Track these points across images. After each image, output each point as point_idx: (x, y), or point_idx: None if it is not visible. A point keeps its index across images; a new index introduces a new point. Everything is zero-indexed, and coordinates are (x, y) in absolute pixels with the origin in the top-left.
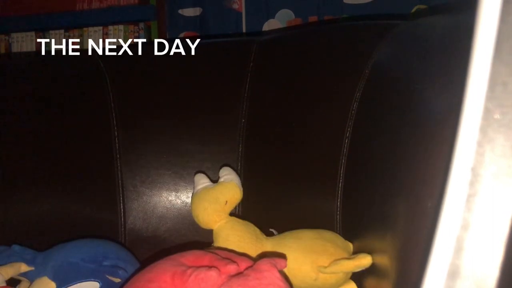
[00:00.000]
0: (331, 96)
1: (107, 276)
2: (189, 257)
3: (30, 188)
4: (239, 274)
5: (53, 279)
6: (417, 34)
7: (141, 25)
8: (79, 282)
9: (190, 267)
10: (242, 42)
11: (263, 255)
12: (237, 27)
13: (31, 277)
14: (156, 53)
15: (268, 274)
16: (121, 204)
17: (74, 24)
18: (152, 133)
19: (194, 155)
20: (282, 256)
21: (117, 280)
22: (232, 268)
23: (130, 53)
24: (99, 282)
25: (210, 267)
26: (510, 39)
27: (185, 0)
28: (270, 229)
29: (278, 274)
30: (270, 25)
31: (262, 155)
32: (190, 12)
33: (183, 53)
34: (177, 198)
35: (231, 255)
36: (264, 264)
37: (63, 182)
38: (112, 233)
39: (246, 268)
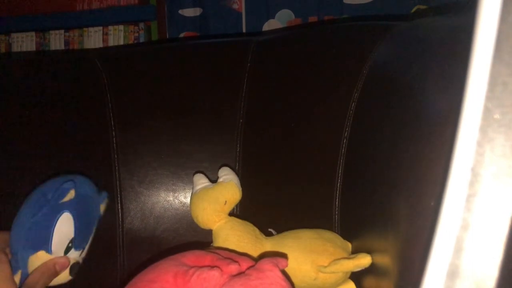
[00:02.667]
0: (330, 96)
1: (60, 202)
2: (191, 257)
3: (28, 188)
4: (240, 273)
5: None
6: (416, 34)
7: (141, 25)
8: (52, 234)
9: (191, 267)
10: (240, 42)
11: (264, 255)
12: (237, 27)
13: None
14: (154, 53)
15: (270, 273)
16: (119, 205)
17: (74, 24)
18: (150, 134)
19: (192, 155)
20: (283, 256)
21: (71, 194)
22: (234, 268)
23: (128, 53)
24: (65, 212)
25: (212, 267)
26: (510, 39)
27: (185, 0)
28: (269, 229)
29: (280, 274)
30: (270, 25)
31: (261, 155)
32: (190, 12)
33: (181, 53)
34: (175, 198)
35: (232, 255)
36: (266, 263)
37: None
38: (109, 233)
39: (248, 268)
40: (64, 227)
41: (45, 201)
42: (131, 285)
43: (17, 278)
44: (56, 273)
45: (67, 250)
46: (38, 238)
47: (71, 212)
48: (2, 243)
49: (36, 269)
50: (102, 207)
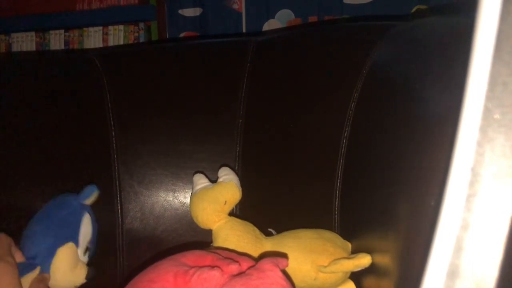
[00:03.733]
0: (329, 96)
1: (83, 203)
2: (191, 257)
3: (26, 188)
4: (241, 273)
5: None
6: (416, 34)
7: (141, 25)
8: (80, 227)
9: (192, 267)
10: (239, 42)
11: (264, 255)
12: (237, 27)
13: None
14: (154, 53)
15: (270, 273)
16: (119, 205)
17: (74, 24)
18: (150, 134)
19: (192, 155)
20: (283, 256)
21: (94, 196)
22: (234, 268)
23: (128, 53)
24: (87, 213)
25: (212, 267)
26: (510, 39)
27: (185, 0)
28: (269, 229)
29: (280, 274)
30: (270, 25)
31: (260, 155)
32: (190, 12)
33: (181, 53)
34: (175, 198)
35: (232, 255)
36: (266, 263)
37: (59, 182)
38: (109, 233)
39: (248, 268)
40: (85, 226)
41: (72, 200)
42: (131, 285)
43: (33, 275)
44: (47, 287)
45: (85, 251)
46: (68, 231)
47: (90, 214)
48: (6, 246)
49: (31, 283)
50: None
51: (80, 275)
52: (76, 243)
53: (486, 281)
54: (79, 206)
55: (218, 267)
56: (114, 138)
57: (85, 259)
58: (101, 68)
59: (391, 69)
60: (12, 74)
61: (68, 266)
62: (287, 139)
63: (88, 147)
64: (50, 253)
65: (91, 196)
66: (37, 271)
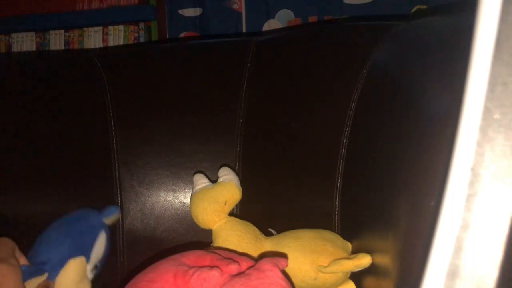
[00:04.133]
0: (329, 96)
1: (103, 220)
2: (191, 257)
3: (27, 188)
4: (241, 273)
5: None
6: (416, 34)
7: (141, 25)
8: (94, 244)
9: (192, 267)
10: (240, 42)
11: (264, 255)
12: (237, 27)
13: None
14: (154, 53)
15: (270, 273)
16: (119, 205)
17: (74, 24)
18: (150, 134)
19: (192, 155)
20: (283, 256)
21: (114, 217)
22: (234, 268)
23: (128, 53)
24: (104, 231)
25: (212, 267)
26: (510, 39)
27: (185, 0)
28: (269, 229)
29: (280, 274)
30: (270, 25)
31: (260, 155)
32: (190, 12)
33: (181, 53)
34: (175, 198)
35: (232, 255)
36: (266, 263)
37: (60, 182)
38: (109, 233)
39: (248, 268)
40: (100, 244)
41: (94, 215)
42: (131, 285)
43: (40, 280)
44: None
45: (93, 268)
46: (83, 244)
47: (106, 234)
48: (10, 250)
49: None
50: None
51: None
52: (88, 258)
53: (486, 281)
54: (98, 222)
55: (218, 267)
56: (114, 138)
57: (91, 276)
58: (101, 68)
59: (391, 69)
60: (12, 74)
61: (75, 279)
62: (287, 139)
63: (88, 147)
64: (61, 263)
65: (112, 216)
66: (44, 277)
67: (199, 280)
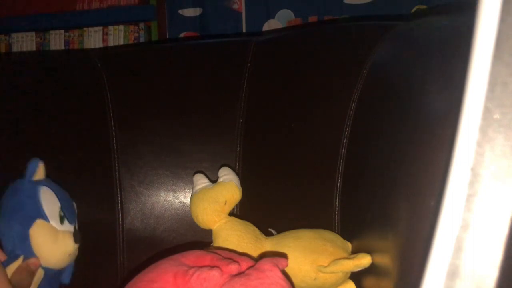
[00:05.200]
0: (329, 96)
1: (33, 180)
2: (190, 257)
3: None
4: (240, 273)
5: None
6: (416, 34)
7: (141, 25)
8: (40, 202)
9: (191, 267)
10: (240, 42)
11: (264, 255)
12: (237, 27)
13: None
14: (154, 53)
15: (270, 273)
16: (119, 205)
17: (74, 24)
18: (150, 134)
19: (192, 155)
20: (283, 256)
21: (41, 169)
22: (234, 268)
23: (128, 53)
24: (43, 187)
25: (212, 267)
26: (510, 39)
27: (185, 0)
28: (269, 229)
29: (280, 274)
30: (270, 25)
31: (261, 155)
32: (190, 12)
33: (181, 53)
34: (175, 198)
35: (232, 255)
36: (266, 263)
37: (60, 182)
38: (109, 233)
39: (248, 268)
40: (48, 198)
41: (21, 182)
42: (131, 285)
43: (16, 264)
44: (33, 272)
45: (61, 220)
46: (30, 210)
47: (48, 186)
48: None
49: (14, 273)
50: None
51: (67, 242)
52: (45, 217)
53: (486, 281)
54: (30, 185)
55: (218, 267)
56: (114, 138)
57: (66, 226)
58: (101, 68)
59: (391, 69)
60: (12, 74)
61: (48, 240)
62: (287, 139)
63: (88, 147)
64: (24, 238)
65: (36, 171)
66: (20, 259)
67: (199, 280)
